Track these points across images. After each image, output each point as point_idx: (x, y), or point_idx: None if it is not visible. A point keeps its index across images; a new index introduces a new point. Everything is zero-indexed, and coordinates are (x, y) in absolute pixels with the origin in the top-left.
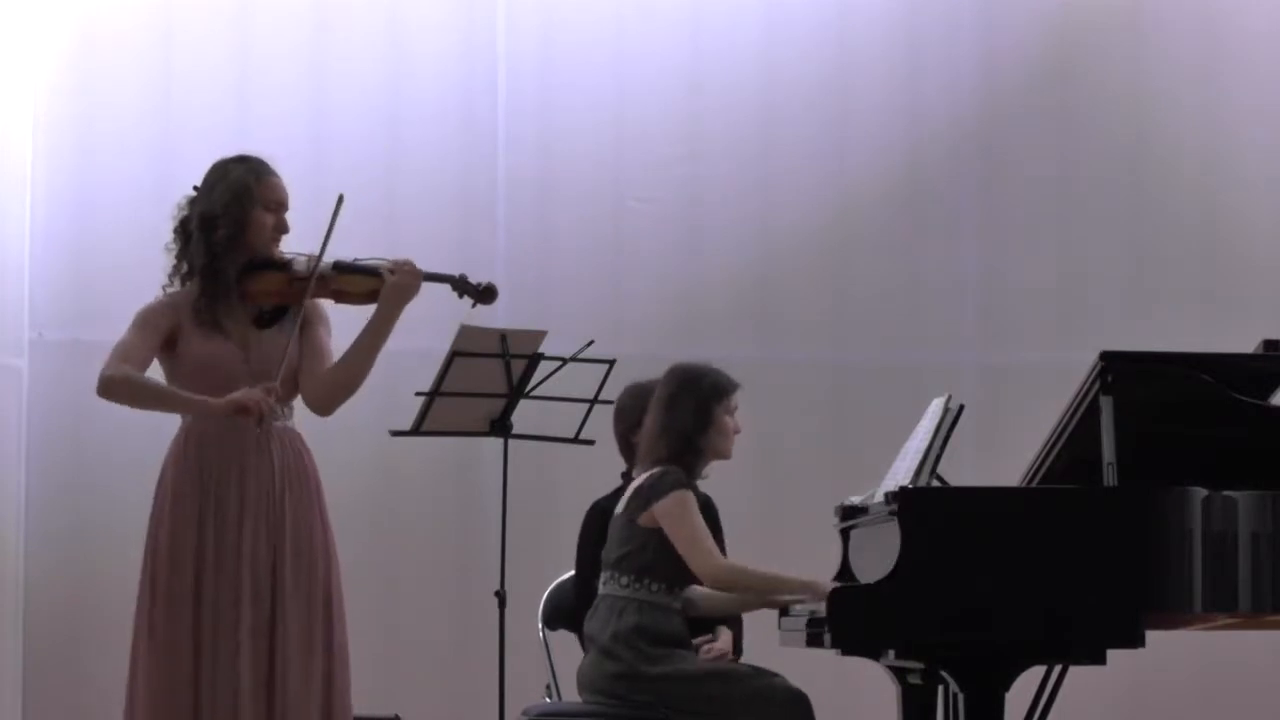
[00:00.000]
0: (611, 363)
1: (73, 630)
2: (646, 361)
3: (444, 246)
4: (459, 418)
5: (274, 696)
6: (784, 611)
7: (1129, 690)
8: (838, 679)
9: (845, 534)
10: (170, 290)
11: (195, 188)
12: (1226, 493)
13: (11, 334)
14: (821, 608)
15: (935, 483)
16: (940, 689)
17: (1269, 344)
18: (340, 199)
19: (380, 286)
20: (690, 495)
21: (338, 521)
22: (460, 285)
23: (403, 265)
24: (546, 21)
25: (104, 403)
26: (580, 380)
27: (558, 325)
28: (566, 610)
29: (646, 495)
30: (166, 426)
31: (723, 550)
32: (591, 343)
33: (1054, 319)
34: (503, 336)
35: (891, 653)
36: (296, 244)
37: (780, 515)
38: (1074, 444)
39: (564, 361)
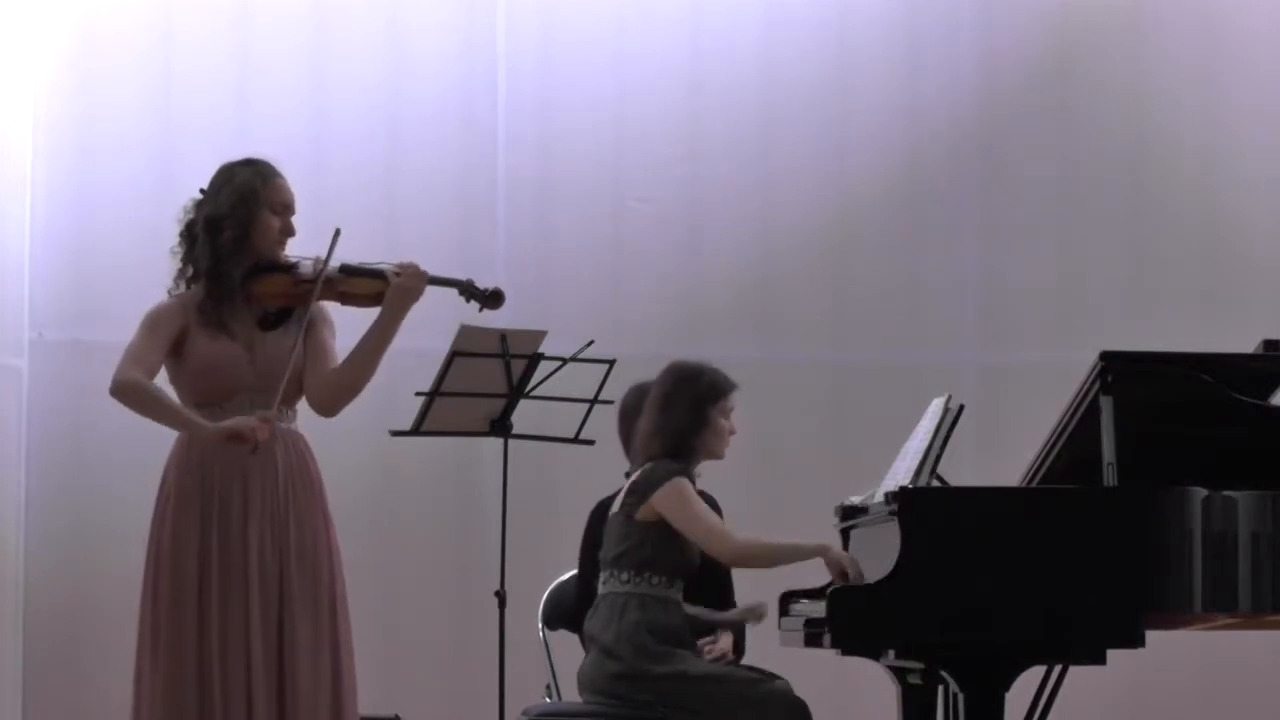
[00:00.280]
0: (611, 363)
1: (73, 630)
2: (646, 361)
3: (444, 246)
4: (459, 418)
5: (284, 696)
6: (784, 612)
7: (1129, 690)
8: (838, 679)
9: (845, 534)
10: (176, 293)
11: (201, 190)
12: (1226, 493)
13: (11, 334)
14: (821, 608)
15: (935, 483)
16: (940, 689)
17: (1269, 344)
18: (337, 232)
19: (385, 289)
20: (686, 482)
21: (338, 522)
22: (468, 290)
23: (408, 268)
24: (546, 21)
25: (104, 403)
26: (580, 380)
27: (558, 325)
28: (567, 610)
29: (642, 489)
30: (166, 428)
31: None
32: (591, 343)
33: (1054, 319)
34: (503, 336)
35: (891, 653)
36: (296, 244)
37: (780, 515)
38: (1074, 444)
39: (564, 361)
